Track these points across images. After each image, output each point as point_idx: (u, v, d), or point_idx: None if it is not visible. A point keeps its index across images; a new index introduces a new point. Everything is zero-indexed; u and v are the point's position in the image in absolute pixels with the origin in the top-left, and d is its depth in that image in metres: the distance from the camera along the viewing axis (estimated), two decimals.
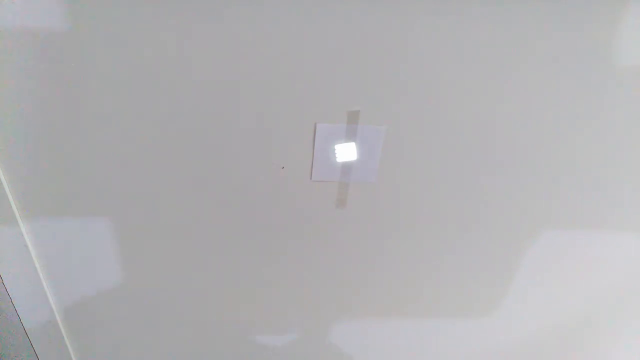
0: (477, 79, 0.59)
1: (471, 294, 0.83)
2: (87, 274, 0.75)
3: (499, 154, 0.66)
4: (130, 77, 0.56)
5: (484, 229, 0.74)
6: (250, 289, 0.81)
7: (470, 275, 0.81)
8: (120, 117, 0.60)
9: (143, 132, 0.61)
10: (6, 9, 0.51)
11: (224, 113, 0.60)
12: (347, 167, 0.66)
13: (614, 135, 0.65)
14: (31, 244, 0.70)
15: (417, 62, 0.58)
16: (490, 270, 0.80)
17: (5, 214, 0.65)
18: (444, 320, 0.88)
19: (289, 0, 0.52)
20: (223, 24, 0.54)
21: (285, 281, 0.80)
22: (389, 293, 0.83)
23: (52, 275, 0.75)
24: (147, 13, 0.52)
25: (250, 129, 0.62)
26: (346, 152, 0.65)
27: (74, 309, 0.80)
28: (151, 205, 0.68)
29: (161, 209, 0.69)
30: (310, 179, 0.67)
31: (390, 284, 0.81)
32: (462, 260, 0.78)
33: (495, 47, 0.57)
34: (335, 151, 0.65)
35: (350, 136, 0.64)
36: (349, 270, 0.79)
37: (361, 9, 0.53)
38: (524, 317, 0.88)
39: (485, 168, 0.67)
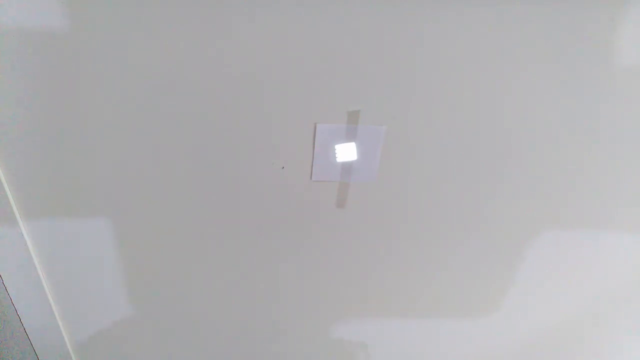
0: (476, 79, 0.59)
1: (471, 294, 0.83)
2: (87, 274, 0.75)
3: (498, 154, 0.66)
4: (130, 77, 0.56)
5: (484, 229, 0.74)
6: (251, 289, 0.81)
7: (471, 275, 0.81)
8: (120, 117, 0.60)
9: (143, 132, 0.61)
10: (6, 9, 0.51)
11: (224, 113, 0.60)
12: (347, 167, 0.66)
13: (614, 135, 0.65)
14: (31, 244, 0.70)
15: (417, 62, 0.58)
16: (490, 270, 0.80)
17: (5, 214, 0.65)
18: (444, 320, 0.88)
19: (289, 0, 0.52)
20: (223, 24, 0.54)
21: (285, 281, 0.80)
22: (389, 293, 0.83)
23: (52, 275, 0.75)
24: (147, 13, 0.52)
25: (250, 129, 0.62)
26: (346, 152, 0.65)
27: (73, 308, 0.80)
28: (151, 205, 0.68)
29: (161, 209, 0.69)
30: (310, 179, 0.67)
31: (390, 284, 0.81)
32: (463, 261, 0.78)
33: (495, 48, 0.57)
34: (335, 151, 0.65)
35: (350, 136, 0.64)
36: (349, 270, 0.79)
37: (361, 9, 0.53)
38: (524, 318, 0.88)
39: (485, 168, 0.67)
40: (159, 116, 0.60)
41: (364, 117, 0.62)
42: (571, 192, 0.71)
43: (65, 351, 0.85)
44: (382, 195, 0.70)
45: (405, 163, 0.67)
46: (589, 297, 0.85)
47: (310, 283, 0.80)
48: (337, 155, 0.65)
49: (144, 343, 0.88)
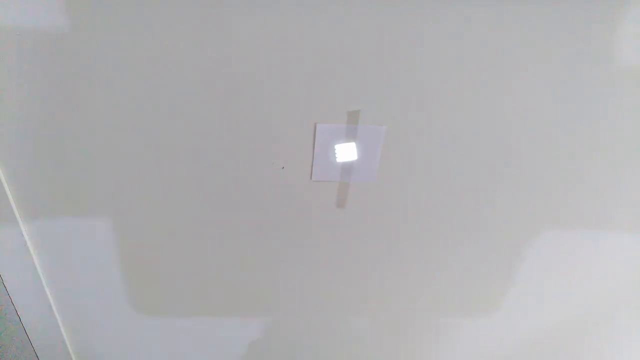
0: (476, 79, 0.59)
1: (471, 294, 0.83)
2: (87, 274, 0.75)
3: (498, 154, 0.66)
4: (130, 77, 0.56)
5: (484, 229, 0.74)
6: (250, 290, 0.81)
7: (471, 275, 0.81)
8: (120, 117, 0.60)
9: (143, 132, 0.61)
10: (6, 9, 0.51)
11: (224, 113, 0.60)
12: (347, 167, 0.66)
13: (614, 135, 0.65)
14: (31, 243, 0.70)
15: (417, 62, 0.58)
16: (490, 270, 0.80)
17: (5, 214, 0.65)
18: (444, 320, 0.88)
19: (289, 0, 0.52)
20: (223, 24, 0.54)
21: (285, 281, 0.80)
22: (389, 293, 0.83)
23: (52, 275, 0.75)
24: (147, 13, 0.52)
25: (250, 129, 0.62)
26: (346, 152, 0.65)
27: (74, 308, 0.80)
28: (151, 205, 0.68)
29: (161, 209, 0.69)
30: (310, 179, 0.67)
31: (390, 284, 0.81)
32: (463, 261, 0.78)
33: (495, 48, 0.57)
34: (335, 151, 0.65)
35: (350, 136, 0.64)
36: (348, 270, 0.79)
37: (361, 9, 0.53)
38: (524, 318, 0.88)
39: (485, 168, 0.67)
40: (159, 116, 0.60)
41: (364, 117, 0.62)
42: (571, 192, 0.71)
43: (65, 351, 0.85)
44: (382, 195, 0.70)
45: (405, 163, 0.67)
46: (589, 297, 0.85)
47: (310, 283, 0.80)
48: (337, 155, 0.65)
49: (144, 343, 0.88)
